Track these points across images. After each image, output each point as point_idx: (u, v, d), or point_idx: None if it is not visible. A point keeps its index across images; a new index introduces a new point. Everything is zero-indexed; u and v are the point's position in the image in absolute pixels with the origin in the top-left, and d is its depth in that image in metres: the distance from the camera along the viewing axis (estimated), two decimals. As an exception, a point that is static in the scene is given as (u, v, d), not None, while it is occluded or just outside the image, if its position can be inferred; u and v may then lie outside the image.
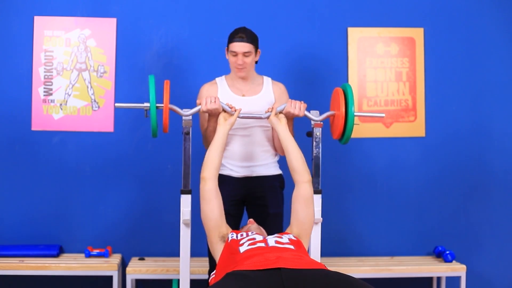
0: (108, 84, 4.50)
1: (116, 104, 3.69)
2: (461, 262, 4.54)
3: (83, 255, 4.43)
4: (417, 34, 4.64)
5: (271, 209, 3.79)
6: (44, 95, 4.46)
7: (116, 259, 4.37)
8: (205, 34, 4.56)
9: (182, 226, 3.49)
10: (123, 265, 4.48)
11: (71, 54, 4.48)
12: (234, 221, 3.80)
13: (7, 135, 4.46)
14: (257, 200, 3.81)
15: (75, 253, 4.48)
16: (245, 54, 3.81)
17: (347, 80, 4.60)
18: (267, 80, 3.97)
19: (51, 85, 4.47)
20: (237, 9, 4.57)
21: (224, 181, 3.74)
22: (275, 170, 3.84)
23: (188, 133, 3.60)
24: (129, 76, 4.53)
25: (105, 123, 4.50)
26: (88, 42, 4.49)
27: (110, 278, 4.35)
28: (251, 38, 3.84)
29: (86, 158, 4.50)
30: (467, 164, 4.70)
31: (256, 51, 3.87)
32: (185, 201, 3.54)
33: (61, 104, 4.48)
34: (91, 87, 4.49)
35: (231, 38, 3.84)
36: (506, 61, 4.74)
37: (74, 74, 4.48)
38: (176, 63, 4.56)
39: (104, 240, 4.51)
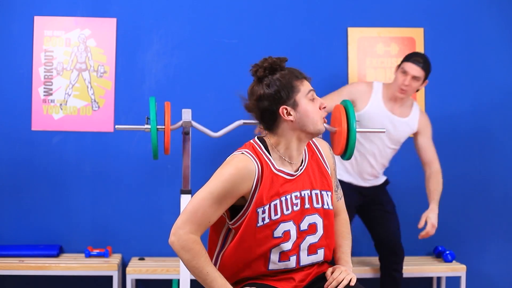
0: (108, 84, 4.50)
1: (117, 126, 3.71)
2: (461, 262, 4.54)
3: (83, 255, 4.43)
4: (417, 34, 4.64)
5: (387, 206, 4.21)
6: (44, 95, 4.46)
7: (116, 259, 4.37)
8: (205, 34, 4.56)
9: (182, 226, 3.48)
10: (123, 265, 4.48)
11: (71, 54, 4.48)
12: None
13: (7, 135, 4.46)
14: (373, 203, 4.22)
15: (75, 253, 4.48)
16: (414, 78, 3.91)
17: (347, 80, 4.60)
18: (416, 107, 4.14)
19: (51, 85, 4.47)
20: (237, 9, 4.57)
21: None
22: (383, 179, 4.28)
23: (188, 133, 3.60)
24: (129, 76, 4.53)
25: (105, 123, 4.50)
26: (88, 42, 4.49)
27: (110, 278, 4.35)
28: (426, 66, 3.93)
29: (86, 158, 4.50)
30: (467, 164, 4.70)
31: (424, 80, 3.97)
32: (185, 201, 3.54)
33: (61, 104, 4.48)
34: (91, 87, 4.50)
35: (408, 58, 3.95)
36: (506, 61, 4.73)
37: (74, 74, 4.49)
38: (176, 63, 4.56)
39: (104, 240, 4.51)
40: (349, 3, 4.62)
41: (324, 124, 3.13)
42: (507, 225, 4.74)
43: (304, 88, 2.51)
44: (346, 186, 4.06)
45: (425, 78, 3.97)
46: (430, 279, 4.67)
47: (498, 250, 4.73)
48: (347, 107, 3.52)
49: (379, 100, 4.05)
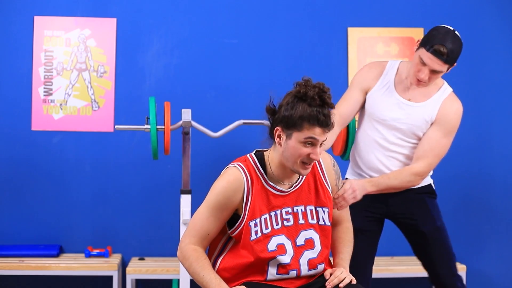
0: (108, 84, 4.50)
1: (117, 126, 3.72)
2: (461, 262, 4.53)
3: (83, 255, 4.43)
4: (417, 34, 4.64)
5: (424, 226, 3.20)
6: (44, 95, 4.47)
7: (116, 259, 4.37)
8: (205, 34, 4.56)
9: (182, 226, 3.49)
10: (123, 265, 4.48)
11: (71, 54, 4.48)
12: (371, 237, 3.23)
13: (7, 135, 4.46)
14: (403, 218, 3.21)
15: (75, 253, 4.48)
16: (434, 72, 2.98)
17: (347, 80, 4.60)
18: (443, 91, 3.13)
19: (51, 85, 4.47)
20: (237, 9, 4.57)
21: None
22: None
23: (187, 133, 3.61)
24: (129, 76, 4.53)
25: (105, 123, 4.50)
26: (88, 42, 4.49)
27: (110, 278, 4.35)
28: (452, 57, 2.94)
29: (86, 158, 4.51)
30: (467, 164, 4.69)
31: (450, 67, 3.00)
32: (185, 201, 3.54)
33: (61, 104, 4.48)
34: (91, 87, 4.50)
35: (430, 44, 2.95)
36: (506, 61, 4.73)
37: (74, 74, 4.49)
38: (176, 63, 4.56)
39: (104, 240, 4.51)
40: (349, 3, 4.62)
41: None
42: (506, 225, 4.74)
43: (307, 133, 2.42)
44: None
45: (450, 67, 3.00)
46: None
47: (497, 250, 4.73)
48: None
49: (389, 82, 3.15)
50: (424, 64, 2.97)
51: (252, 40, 4.57)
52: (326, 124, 2.42)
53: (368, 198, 3.09)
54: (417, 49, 3.01)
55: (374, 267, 4.30)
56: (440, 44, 2.93)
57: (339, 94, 4.57)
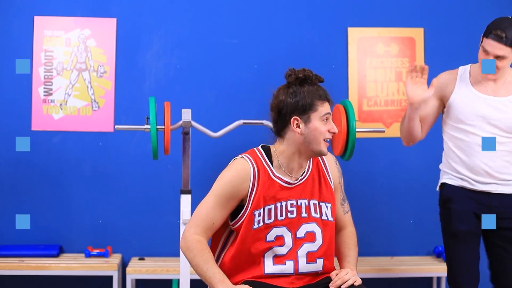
0: (108, 84, 4.50)
1: (117, 126, 3.72)
2: (461, 262, 4.53)
3: (83, 255, 4.44)
4: (417, 34, 4.65)
5: None
6: (44, 95, 4.47)
7: (116, 259, 4.37)
8: (205, 34, 4.56)
9: (182, 226, 3.49)
10: (123, 265, 4.48)
11: (71, 54, 4.48)
12: (479, 240, 3.24)
13: (7, 135, 4.46)
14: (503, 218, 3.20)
15: (75, 253, 4.48)
16: (499, 58, 3.05)
17: (347, 80, 4.60)
18: None
19: (51, 85, 4.47)
20: (237, 9, 4.57)
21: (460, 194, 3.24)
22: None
23: (187, 133, 3.61)
24: (129, 76, 4.53)
25: (105, 123, 4.50)
26: (88, 42, 4.49)
27: (110, 278, 4.36)
28: None
29: (86, 158, 4.51)
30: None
31: None
32: (185, 201, 3.55)
33: (61, 104, 4.48)
34: (91, 87, 4.50)
35: (488, 31, 3.07)
36: (506, 61, 4.73)
37: (74, 74, 4.49)
38: (176, 63, 4.56)
39: (104, 240, 4.51)
40: (349, 3, 4.62)
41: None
42: (507, 225, 4.74)
43: (322, 109, 2.56)
44: (460, 194, 3.23)
45: None
46: (430, 279, 4.67)
47: (498, 250, 4.73)
48: (347, 107, 3.52)
49: (466, 83, 3.21)
50: (487, 52, 3.05)
51: (252, 40, 4.57)
52: (329, 97, 2.60)
53: (473, 201, 3.18)
54: (480, 42, 3.11)
55: (373, 267, 4.34)
56: (497, 28, 3.03)
57: (340, 94, 4.59)
